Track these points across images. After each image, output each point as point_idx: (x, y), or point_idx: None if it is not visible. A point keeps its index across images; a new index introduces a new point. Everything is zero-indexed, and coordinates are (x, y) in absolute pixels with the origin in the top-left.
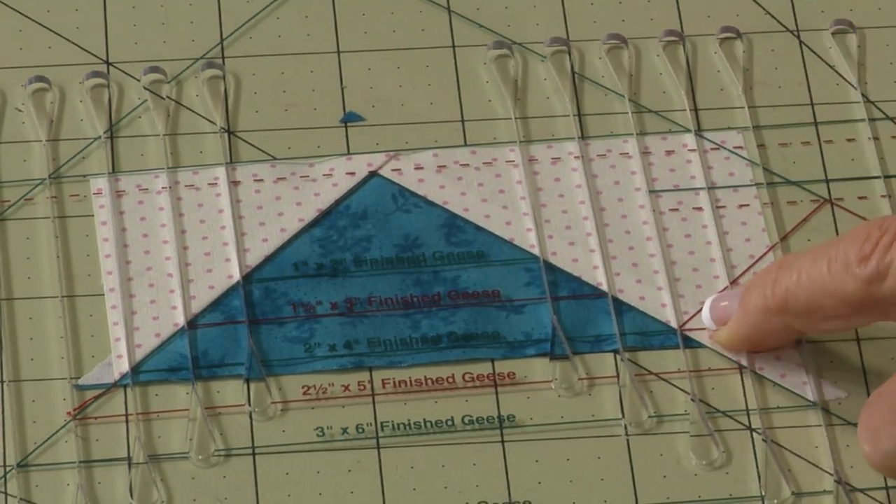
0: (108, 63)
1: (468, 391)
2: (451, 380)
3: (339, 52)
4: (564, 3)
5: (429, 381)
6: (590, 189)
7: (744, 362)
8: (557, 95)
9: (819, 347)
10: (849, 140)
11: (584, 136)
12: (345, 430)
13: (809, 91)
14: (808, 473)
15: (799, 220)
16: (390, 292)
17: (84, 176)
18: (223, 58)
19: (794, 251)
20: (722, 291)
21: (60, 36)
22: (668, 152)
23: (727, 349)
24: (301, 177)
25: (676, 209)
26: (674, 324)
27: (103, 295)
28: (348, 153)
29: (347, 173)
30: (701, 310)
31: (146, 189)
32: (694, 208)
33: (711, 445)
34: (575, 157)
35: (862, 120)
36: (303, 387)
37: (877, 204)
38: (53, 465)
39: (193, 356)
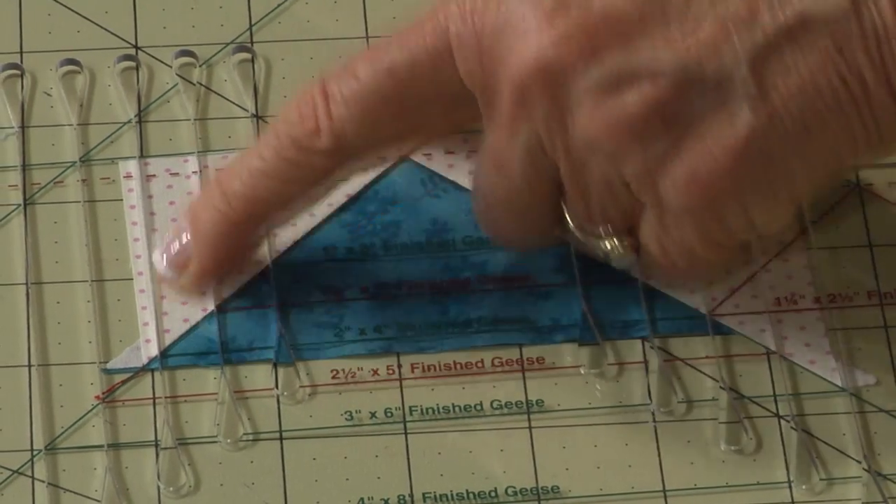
0: (136, 47)
1: (496, 376)
2: (479, 364)
3: (367, 37)
4: None
5: (457, 366)
6: None
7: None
8: None
9: (849, 335)
10: None
11: None
12: (373, 415)
13: None
14: (837, 460)
15: (828, 205)
16: (419, 277)
17: (113, 159)
18: (252, 42)
19: (819, 237)
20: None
21: (89, 20)
22: None
23: (199, 288)
24: None
25: None
26: (703, 310)
27: (132, 279)
28: None
29: (378, 158)
30: (728, 297)
31: (176, 173)
32: None
33: (740, 432)
34: None
35: None
36: (331, 371)
37: None
38: (81, 448)
39: (222, 340)
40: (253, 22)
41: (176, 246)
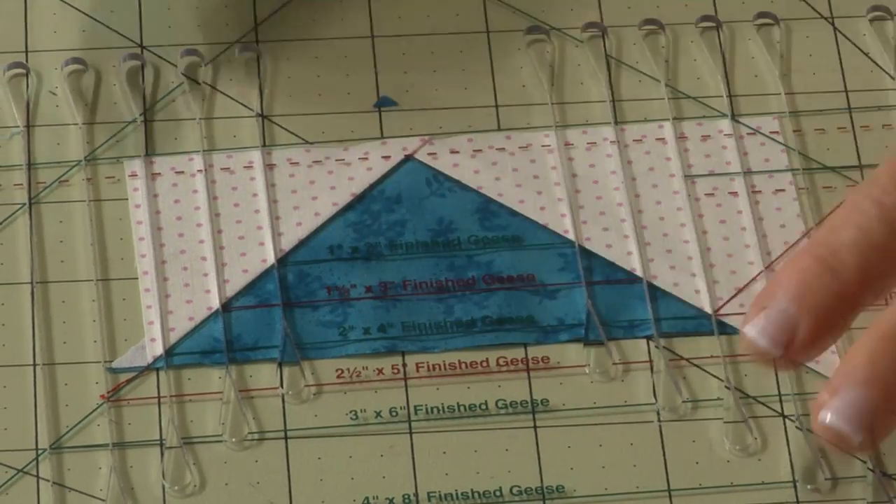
0: (142, 46)
1: (502, 376)
2: (485, 364)
3: (373, 37)
4: None
5: (462, 366)
6: (625, 175)
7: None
8: (593, 80)
9: (854, 335)
10: (885, 126)
11: (619, 122)
12: (378, 414)
13: (843, 78)
14: (842, 460)
15: (835, 205)
16: (424, 276)
17: (119, 158)
18: (257, 42)
19: None
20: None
21: (94, 19)
22: (704, 137)
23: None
24: (336, 160)
25: (712, 194)
26: (708, 309)
27: (137, 278)
28: (382, 138)
29: (382, 157)
30: (733, 297)
31: (181, 172)
32: (729, 193)
33: (745, 432)
34: (611, 142)
35: None
36: (336, 370)
37: None
38: (86, 447)
39: (227, 339)
40: (258, 21)
41: (772, 313)
